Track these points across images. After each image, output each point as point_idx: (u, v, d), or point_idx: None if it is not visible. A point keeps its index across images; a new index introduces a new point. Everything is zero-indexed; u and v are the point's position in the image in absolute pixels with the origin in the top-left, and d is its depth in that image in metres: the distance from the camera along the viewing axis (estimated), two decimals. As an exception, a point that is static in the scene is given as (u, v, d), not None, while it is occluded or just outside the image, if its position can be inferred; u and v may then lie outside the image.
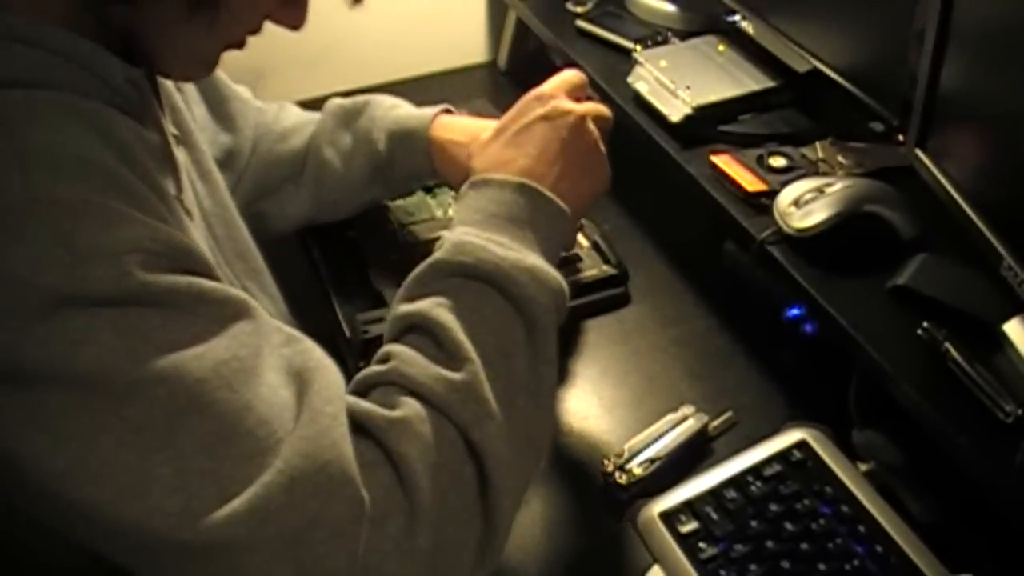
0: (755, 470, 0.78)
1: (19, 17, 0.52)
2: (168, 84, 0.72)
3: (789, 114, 0.98)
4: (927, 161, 0.77)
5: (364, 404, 0.55)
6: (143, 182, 0.52)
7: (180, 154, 0.68)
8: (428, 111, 0.87)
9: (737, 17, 1.04)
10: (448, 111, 0.88)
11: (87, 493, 0.47)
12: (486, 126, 0.78)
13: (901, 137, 0.83)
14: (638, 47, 1.06)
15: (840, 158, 0.90)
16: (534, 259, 0.62)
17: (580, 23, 1.16)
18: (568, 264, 0.94)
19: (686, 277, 1.02)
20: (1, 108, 0.49)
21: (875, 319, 0.76)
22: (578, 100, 0.73)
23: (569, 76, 0.75)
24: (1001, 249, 0.69)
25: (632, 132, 1.00)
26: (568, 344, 0.94)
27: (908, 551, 0.71)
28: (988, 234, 0.70)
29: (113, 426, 0.47)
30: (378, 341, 0.62)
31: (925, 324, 0.73)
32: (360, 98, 0.91)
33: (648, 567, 0.74)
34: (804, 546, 0.72)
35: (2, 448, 0.47)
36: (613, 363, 0.92)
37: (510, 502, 0.56)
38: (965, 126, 0.74)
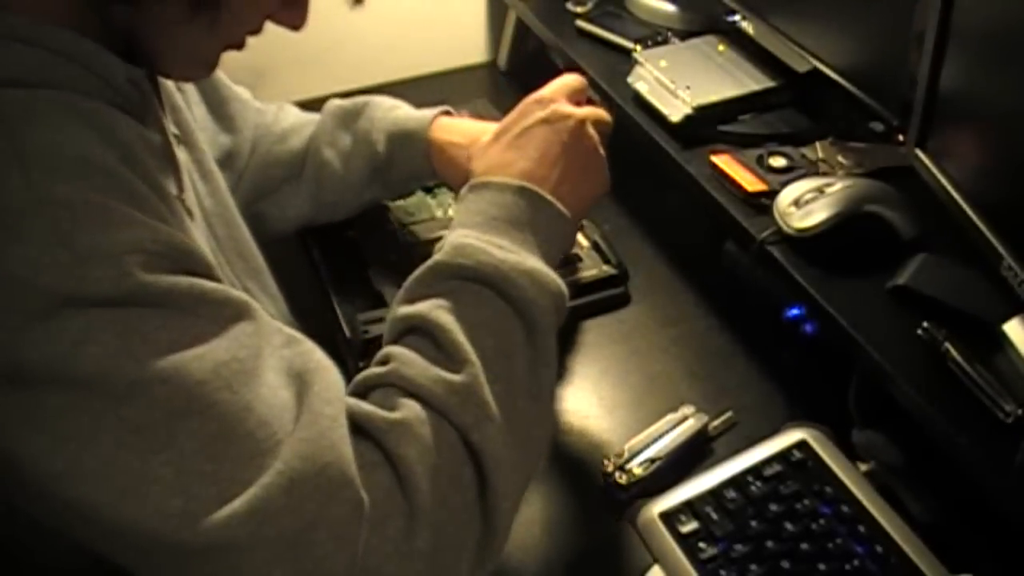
0: (755, 470, 0.78)
1: (20, 17, 0.52)
2: (169, 84, 0.72)
3: (789, 114, 0.98)
4: (927, 161, 0.77)
5: (364, 406, 0.55)
6: (144, 182, 0.52)
7: (181, 154, 0.68)
8: (427, 113, 0.87)
9: (737, 17, 1.04)
10: (447, 113, 0.88)
11: (86, 493, 0.47)
12: (485, 128, 0.78)
13: (901, 137, 0.83)
14: (638, 47, 1.05)
15: (840, 158, 0.90)
16: (534, 262, 0.62)
17: (580, 23, 1.16)
18: (568, 264, 0.94)
19: (686, 277, 1.02)
20: (1, 107, 0.49)
21: (875, 319, 0.76)
22: (578, 104, 0.74)
23: (569, 80, 0.75)
24: (1001, 249, 0.69)
25: (632, 132, 1.00)
26: (568, 344, 0.94)
27: (908, 551, 0.72)
28: (988, 234, 0.70)
29: (112, 427, 0.47)
30: (378, 341, 0.62)
31: (925, 324, 0.73)
32: (359, 99, 0.91)
33: (648, 567, 0.74)
34: (804, 546, 0.73)
35: (1, 448, 0.47)
36: (613, 363, 0.92)
37: (509, 504, 0.56)
38: (965, 126, 0.74)
